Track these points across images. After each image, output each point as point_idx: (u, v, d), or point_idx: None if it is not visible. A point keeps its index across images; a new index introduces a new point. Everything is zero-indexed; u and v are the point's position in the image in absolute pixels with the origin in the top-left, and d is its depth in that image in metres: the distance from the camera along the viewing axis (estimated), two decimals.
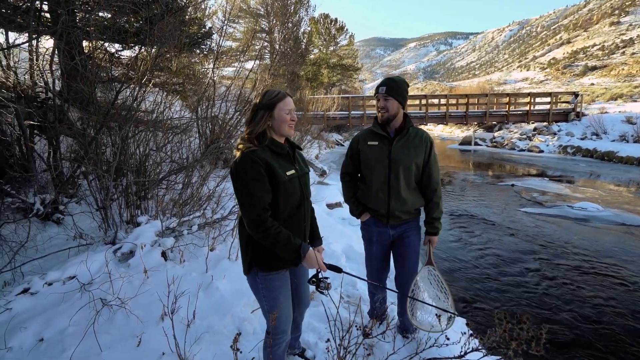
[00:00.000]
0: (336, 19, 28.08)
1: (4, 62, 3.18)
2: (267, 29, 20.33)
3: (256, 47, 16.45)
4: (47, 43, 3.76)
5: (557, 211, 7.09)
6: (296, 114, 1.69)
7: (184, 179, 4.24)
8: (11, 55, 3.18)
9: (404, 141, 2.16)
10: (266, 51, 19.18)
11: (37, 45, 3.43)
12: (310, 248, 1.60)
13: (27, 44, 3.30)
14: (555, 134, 18.23)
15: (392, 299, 2.85)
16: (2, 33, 3.24)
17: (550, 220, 6.55)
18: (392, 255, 2.43)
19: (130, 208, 3.65)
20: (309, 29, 25.89)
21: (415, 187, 2.24)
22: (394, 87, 2.12)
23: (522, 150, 18.20)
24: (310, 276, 1.71)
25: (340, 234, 4.58)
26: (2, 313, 2.29)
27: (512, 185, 9.86)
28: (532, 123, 19.84)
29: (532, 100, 19.37)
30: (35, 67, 3.32)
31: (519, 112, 19.64)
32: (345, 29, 28.45)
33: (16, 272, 2.84)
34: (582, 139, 16.98)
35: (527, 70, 63.95)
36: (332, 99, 19.24)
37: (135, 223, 3.50)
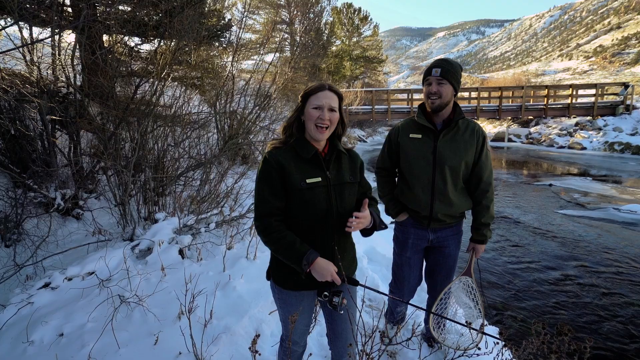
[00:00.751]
0: (360, 9, 27.83)
1: (28, 57, 3.34)
2: (287, 20, 20.43)
3: (276, 39, 16.56)
4: (69, 38, 3.93)
5: (602, 214, 6.74)
6: (334, 113, 1.47)
7: (201, 175, 4.32)
8: (34, 50, 3.33)
9: (453, 135, 1.98)
10: (286, 43, 19.28)
11: (59, 40, 3.58)
12: (320, 257, 1.41)
13: (50, 39, 3.45)
14: (600, 129, 17.36)
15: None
16: (27, 28, 3.40)
17: (594, 223, 6.25)
18: (425, 262, 2.29)
19: (148, 204, 3.76)
20: (331, 19, 25.82)
21: (463, 188, 2.06)
22: (449, 70, 1.91)
23: (561, 147, 17.45)
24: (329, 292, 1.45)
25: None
26: (25, 307, 2.42)
27: (550, 185, 9.48)
28: (574, 117, 18.97)
29: (574, 93, 18.52)
30: (57, 61, 3.46)
31: (558, 106, 18.85)
32: (369, 19, 28.15)
33: (38, 266, 2.99)
34: (632, 134, 16.09)
35: (569, 59, 61.22)
36: (355, 92, 19.13)
37: (153, 220, 3.60)
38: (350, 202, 1.54)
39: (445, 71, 1.91)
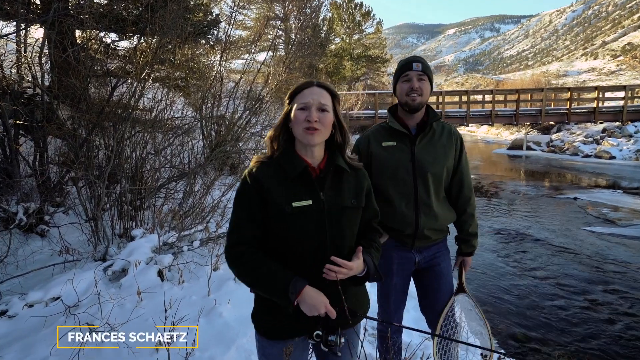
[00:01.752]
0: (361, 3, 28.36)
1: None
2: (281, 15, 20.74)
3: (269, 37, 16.77)
4: (36, 33, 3.96)
5: (635, 231, 6.74)
6: (325, 113, 1.33)
7: (185, 187, 4.31)
8: None
9: (429, 139, 1.98)
10: (280, 41, 19.53)
11: (25, 36, 3.60)
12: (308, 285, 1.26)
13: (14, 34, 3.47)
14: (631, 136, 17.52)
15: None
16: None
17: (626, 242, 6.24)
18: (416, 286, 2.23)
19: (124, 219, 3.73)
20: (330, 15, 26.26)
21: (445, 197, 2.06)
22: (428, 67, 1.94)
23: (587, 156, 17.57)
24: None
25: None
26: None
27: (575, 198, 9.50)
28: (601, 123, 19.17)
29: (600, 96, 18.79)
30: (23, 59, 3.48)
31: (583, 110, 19.07)
32: (372, 15, 28.69)
33: None
34: None
35: (594, 58, 62.29)
36: (356, 95, 19.29)
37: (129, 237, 3.57)
38: (351, 233, 1.40)
39: (425, 67, 1.92)
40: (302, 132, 1.30)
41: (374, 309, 2.97)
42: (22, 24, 3.48)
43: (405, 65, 1.94)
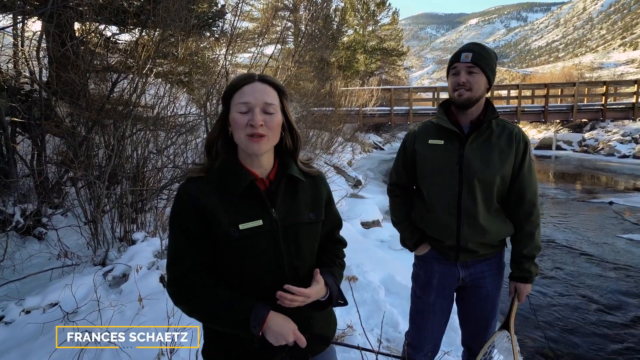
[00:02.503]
0: None
1: None
2: (291, 6, 20.80)
3: (277, 29, 16.86)
4: (34, 26, 4.06)
5: None
6: (271, 115, 1.17)
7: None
8: None
9: (484, 140, 1.82)
10: (289, 33, 19.65)
11: (23, 29, 3.69)
12: (272, 311, 1.16)
13: (11, 28, 3.57)
14: None
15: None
16: None
17: None
18: (457, 306, 2.07)
19: (125, 222, 3.80)
20: (343, 4, 26.27)
21: (499, 209, 1.88)
22: (482, 55, 1.76)
23: (624, 156, 17.26)
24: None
25: (379, 261, 4.51)
26: None
27: (611, 203, 9.34)
28: None
29: None
30: (20, 54, 3.57)
31: (620, 106, 18.76)
32: (387, 4, 28.59)
33: None
34: None
35: (634, 49, 61.31)
36: (370, 91, 19.29)
37: (130, 240, 3.63)
38: (310, 250, 1.29)
39: (478, 56, 1.75)
40: (245, 140, 1.15)
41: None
42: (19, 17, 3.57)
43: (454, 56, 1.83)
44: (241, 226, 1.16)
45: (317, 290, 1.20)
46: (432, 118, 1.96)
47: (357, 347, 1.35)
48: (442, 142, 1.85)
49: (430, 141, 1.89)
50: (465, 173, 1.79)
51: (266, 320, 1.13)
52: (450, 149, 1.83)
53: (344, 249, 1.45)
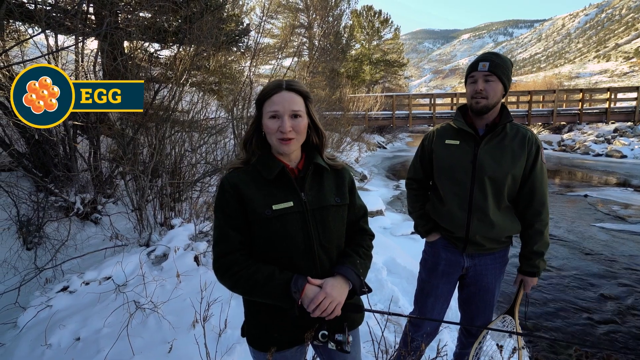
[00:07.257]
0: (380, 11, 27.96)
1: (53, 64, 3.53)
2: (306, 24, 20.70)
3: (294, 44, 16.80)
4: (91, 44, 4.13)
5: None
6: (298, 119, 1.18)
7: (218, 181, 4.40)
8: (59, 57, 3.51)
9: (498, 142, 1.73)
10: (305, 47, 19.53)
11: (82, 47, 3.76)
12: (309, 283, 1.13)
13: (74, 46, 3.64)
14: None
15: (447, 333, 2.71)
16: (52, 36, 3.59)
17: (636, 238, 5.97)
18: (458, 293, 2.03)
19: (165, 210, 3.86)
20: (351, 22, 26.01)
21: (509, 207, 1.79)
22: (499, 64, 1.66)
23: (598, 155, 16.82)
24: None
25: (381, 245, 4.51)
26: (44, 310, 2.52)
27: (585, 195, 9.14)
28: (612, 123, 18.29)
29: (612, 97, 17.91)
30: (80, 68, 3.64)
31: (594, 111, 18.27)
32: (390, 22, 28.23)
33: (57, 269, 3.12)
34: None
35: (607, 61, 59.46)
36: (375, 97, 19.12)
37: (169, 225, 3.70)
38: (337, 231, 1.26)
39: (495, 65, 1.65)
40: (277, 142, 1.17)
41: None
42: (80, 37, 3.63)
43: (472, 65, 1.72)
44: (274, 206, 1.16)
45: (329, 298, 1.12)
46: (451, 121, 1.87)
47: (386, 312, 1.33)
48: (457, 142, 1.79)
49: (447, 141, 1.82)
50: (478, 171, 1.72)
51: (305, 289, 1.11)
52: (466, 149, 1.76)
53: (371, 240, 1.37)
